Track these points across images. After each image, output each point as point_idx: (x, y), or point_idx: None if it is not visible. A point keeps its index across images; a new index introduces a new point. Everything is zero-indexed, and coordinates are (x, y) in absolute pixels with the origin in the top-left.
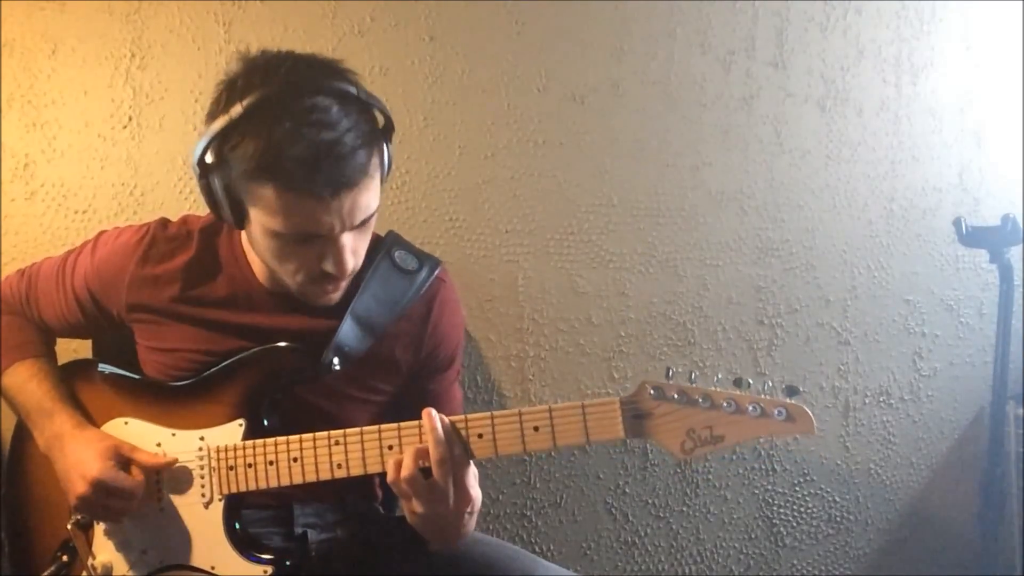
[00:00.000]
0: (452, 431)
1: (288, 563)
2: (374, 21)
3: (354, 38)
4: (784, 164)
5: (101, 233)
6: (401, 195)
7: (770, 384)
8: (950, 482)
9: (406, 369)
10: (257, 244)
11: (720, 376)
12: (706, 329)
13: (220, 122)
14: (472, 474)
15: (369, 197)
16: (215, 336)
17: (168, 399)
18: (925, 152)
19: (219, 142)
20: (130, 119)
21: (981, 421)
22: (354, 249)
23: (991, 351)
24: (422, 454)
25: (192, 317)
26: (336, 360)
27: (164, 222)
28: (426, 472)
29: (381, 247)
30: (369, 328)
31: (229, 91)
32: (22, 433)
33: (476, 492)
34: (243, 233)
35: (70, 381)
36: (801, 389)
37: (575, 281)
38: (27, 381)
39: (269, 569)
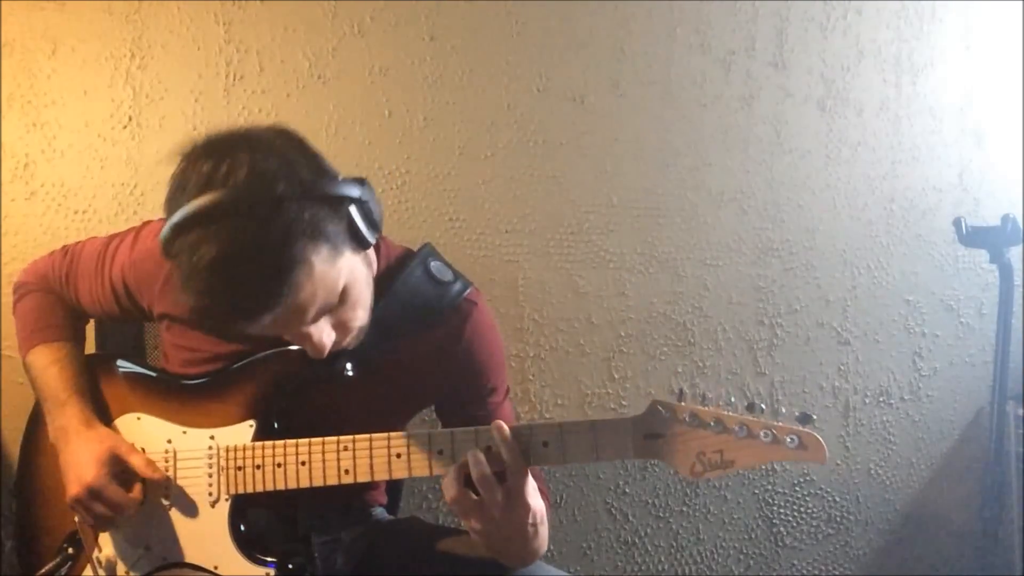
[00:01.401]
0: (506, 443)
1: (291, 565)
2: (374, 21)
3: (354, 38)
4: (784, 164)
5: (146, 223)
6: (401, 195)
7: (783, 411)
8: (950, 482)
9: (436, 389)
10: None
11: (733, 400)
12: (706, 329)
13: (166, 229)
14: (530, 485)
15: (314, 289)
16: (240, 345)
17: (181, 397)
18: (925, 152)
19: (165, 253)
20: (130, 119)
21: (981, 421)
22: (340, 322)
23: (991, 351)
24: (462, 471)
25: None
26: (349, 365)
27: None
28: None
29: (416, 257)
30: (386, 332)
31: (176, 194)
32: (35, 425)
33: (535, 502)
34: None
35: (94, 373)
36: (814, 418)
37: (575, 281)
38: (49, 366)
39: (272, 571)
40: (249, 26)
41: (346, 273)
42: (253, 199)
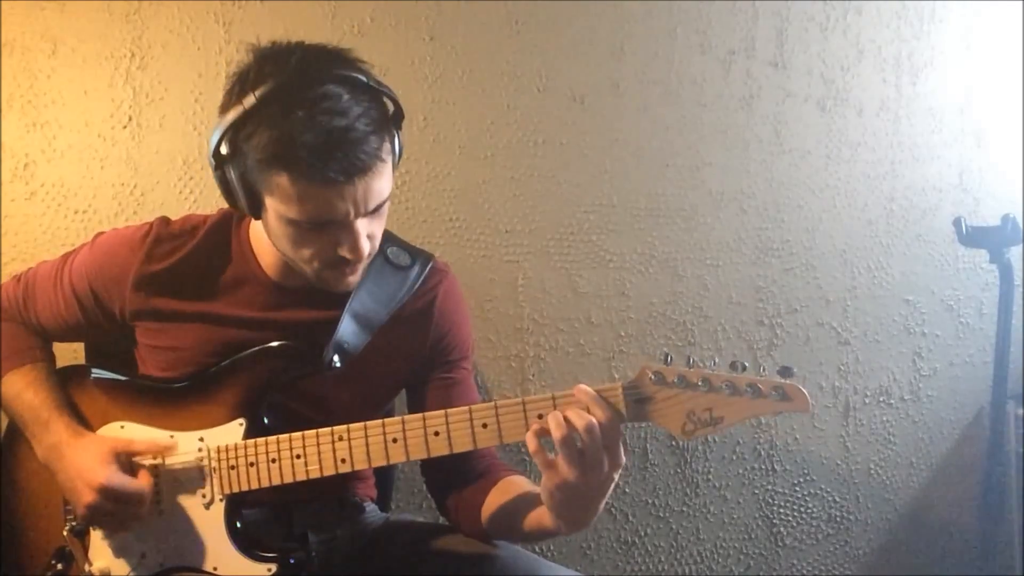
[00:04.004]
0: (597, 401)
1: (292, 561)
2: (374, 21)
3: (354, 38)
4: (784, 164)
5: (99, 234)
6: (401, 195)
7: (764, 368)
8: (950, 482)
9: (410, 360)
10: (273, 232)
11: (717, 360)
12: (706, 329)
13: (233, 113)
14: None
15: (382, 183)
16: (220, 332)
17: (165, 401)
18: (925, 152)
19: (233, 132)
20: (130, 119)
21: (981, 421)
22: (370, 234)
23: (991, 351)
24: (571, 421)
25: (197, 314)
26: (336, 358)
27: (166, 220)
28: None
29: None
30: (367, 324)
31: (241, 82)
32: (13, 440)
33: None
34: (251, 227)
35: (65, 387)
36: (795, 371)
37: (575, 281)
38: (23, 390)
39: (273, 567)
40: (249, 26)
41: (390, 183)
42: (356, 81)
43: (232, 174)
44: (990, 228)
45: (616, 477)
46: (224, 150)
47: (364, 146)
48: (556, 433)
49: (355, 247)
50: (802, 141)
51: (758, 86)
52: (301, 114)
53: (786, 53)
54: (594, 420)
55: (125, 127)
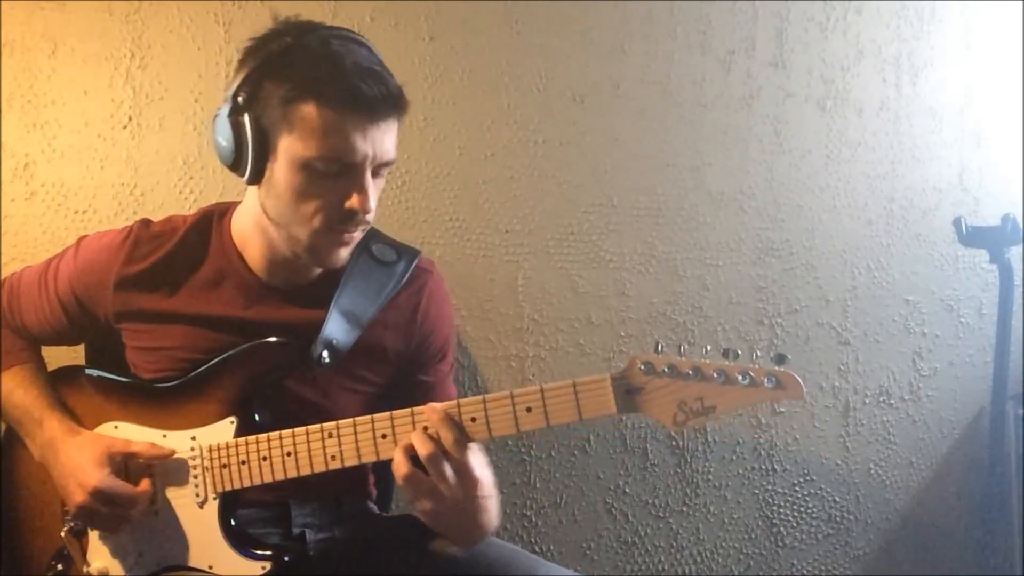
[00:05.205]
0: (444, 421)
1: (287, 559)
2: (374, 21)
3: None
4: (784, 164)
5: (83, 238)
6: (401, 195)
7: (758, 353)
8: (950, 482)
9: (395, 359)
10: (277, 188)
11: (709, 348)
12: (706, 329)
13: (262, 54)
14: (476, 457)
15: (394, 141)
16: (203, 332)
17: (157, 400)
18: (925, 152)
19: (258, 75)
20: (130, 119)
21: (981, 421)
22: (374, 194)
23: (991, 351)
24: (410, 449)
25: (179, 315)
26: (325, 354)
27: (147, 222)
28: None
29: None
30: (355, 320)
31: (268, 36)
32: (13, 440)
33: (483, 474)
34: (234, 222)
35: (58, 388)
36: (789, 358)
37: (575, 281)
38: (14, 390)
39: (268, 565)
40: (249, 26)
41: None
42: (373, 50)
43: (246, 120)
44: (990, 228)
45: (484, 497)
46: (242, 98)
47: (392, 85)
48: (399, 470)
49: (364, 198)
50: (802, 141)
51: (758, 86)
52: (337, 45)
53: (786, 53)
54: (436, 450)
55: (125, 127)
